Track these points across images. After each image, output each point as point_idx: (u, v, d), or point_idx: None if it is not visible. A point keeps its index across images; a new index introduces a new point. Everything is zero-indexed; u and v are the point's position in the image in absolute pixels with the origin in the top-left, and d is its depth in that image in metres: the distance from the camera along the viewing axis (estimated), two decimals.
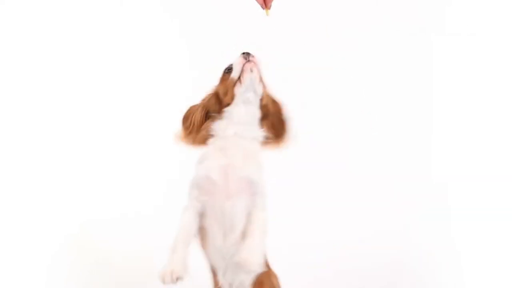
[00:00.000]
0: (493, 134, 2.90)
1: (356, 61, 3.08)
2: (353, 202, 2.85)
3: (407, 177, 2.92)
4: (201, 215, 1.91)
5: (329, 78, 3.06)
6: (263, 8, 2.06)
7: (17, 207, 2.65)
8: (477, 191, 2.80)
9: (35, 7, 2.92)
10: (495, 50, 2.97)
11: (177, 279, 1.79)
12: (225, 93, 1.97)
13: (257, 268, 1.82)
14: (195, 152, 1.98)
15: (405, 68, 3.07)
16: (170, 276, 1.78)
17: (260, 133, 1.99)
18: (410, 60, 3.07)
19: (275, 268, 2.03)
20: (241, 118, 1.95)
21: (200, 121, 1.98)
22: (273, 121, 2.02)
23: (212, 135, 1.97)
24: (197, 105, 2.01)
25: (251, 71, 1.95)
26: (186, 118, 1.99)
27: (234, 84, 1.95)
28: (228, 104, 1.96)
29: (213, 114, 1.99)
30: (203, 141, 1.97)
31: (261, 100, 1.98)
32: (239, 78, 1.95)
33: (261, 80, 1.97)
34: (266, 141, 2.00)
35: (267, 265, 1.99)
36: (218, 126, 1.96)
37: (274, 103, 2.03)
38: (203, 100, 2.02)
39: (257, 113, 1.98)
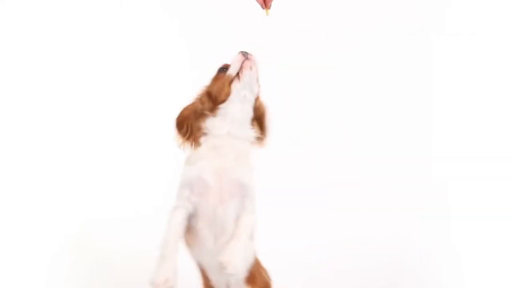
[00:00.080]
0: (493, 134, 2.90)
1: (356, 61, 3.08)
2: (353, 202, 2.85)
3: (407, 177, 2.92)
4: (191, 216, 1.89)
5: (329, 78, 3.07)
6: (263, 8, 2.06)
7: (17, 207, 2.65)
8: (477, 191, 2.79)
9: (35, 7, 2.92)
10: (495, 50, 2.97)
11: None
12: (220, 90, 1.95)
13: (238, 271, 1.79)
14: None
15: (405, 68, 3.07)
16: (163, 286, 1.77)
17: (252, 133, 1.98)
18: (410, 60, 3.07)
19: (275, 268, 2.04)
20: (235, 116, 1.93)
21: (196, 126, 1.94)
22: (261, 123, 2.01)
23: (205, 133, 1.94)
24: (188, 108, 1.97)
25: (251, 69, 1.94)
26: (181, 125, 1.95)
27: (231, 81, 1.95)
28: (222, 101, 1.94)
29: (206, 112, 1.96)
30: (198, 141, 1.95)
31: (256, 100, 1.98)
32: (237, 74, 1.94)
33: (257, 80, 1.97)
34: (253, 141, 2.00)
35: (257, 260, 1.97)
36: (212, 124, 1.94)
37: (262, 105, 2.02)
38: (194, 102, 1.98)
39: (250, 113, 1.97)
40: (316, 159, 2.96)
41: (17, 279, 2.43)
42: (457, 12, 3.06)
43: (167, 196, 1.94)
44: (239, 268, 1.79)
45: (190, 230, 1.90)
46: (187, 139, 1.94)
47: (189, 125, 1.94)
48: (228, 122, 1.93)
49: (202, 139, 1.94)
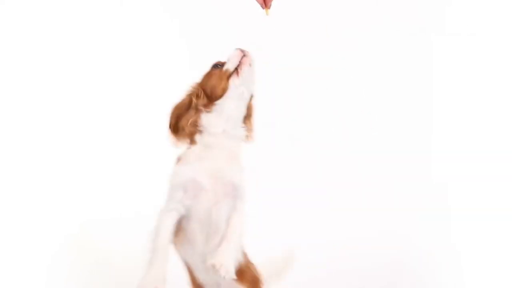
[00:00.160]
0: (493, 134, 2.90)
1: (356, 61, 3.08)
2: (353, 202, 2.85)
3: (407, 177, 2.92)
4: (182, 217, 1.87)
5: (329, 78, 3.07)
6: (263, 8, 2.06)
7: (17, 207, 2.65)
8: (477, 191, 2.79)
9: (35, 7, 2.91)
10: (495, 50, 2.98)
11: None
12: (216, 85, 1.92)
13: (231, 273, 1.77)
14: None
15: (405, 68, 3.08)
16: None
17: (243, 132, 1.96)
18: (410, 60, 3.07)
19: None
20: (230, 114, 1.91)
21: (191, 121, 1.91)
22: (249, 122, 1.99)
23: (199, 131, 1.91)
24: (179, 107, 1.94)
25: (250, 65, 1.93)
26: (174, 125, 1.92)
27: (229, 76, 1.92)
28: (219, 96, 1.91)
29: (200, 108, 1.92)
30: (194, 139, 1.92)
31: (250, 98, 1.96)
32: (236, 70, 1.92)
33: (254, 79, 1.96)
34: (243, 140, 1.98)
35: (245, 256, 1.94)
36: (207, 121, 1.91)
37: (251, 104, 1.99)
38: (185, 99, 1.94)
39: (244, 111, 1.95)
40: (316, 159, 2.96)
41: (17, 279, 2.43)
42: (457, 12, 3.06)
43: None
44: (231, 269, 1.77)
45: (179, 230, 1.88)
46: (182, 137, 1.92)
47: (182, 124, 1.91)
48: (224, 120, 1.90)
49: (197, 137, 1.91)
